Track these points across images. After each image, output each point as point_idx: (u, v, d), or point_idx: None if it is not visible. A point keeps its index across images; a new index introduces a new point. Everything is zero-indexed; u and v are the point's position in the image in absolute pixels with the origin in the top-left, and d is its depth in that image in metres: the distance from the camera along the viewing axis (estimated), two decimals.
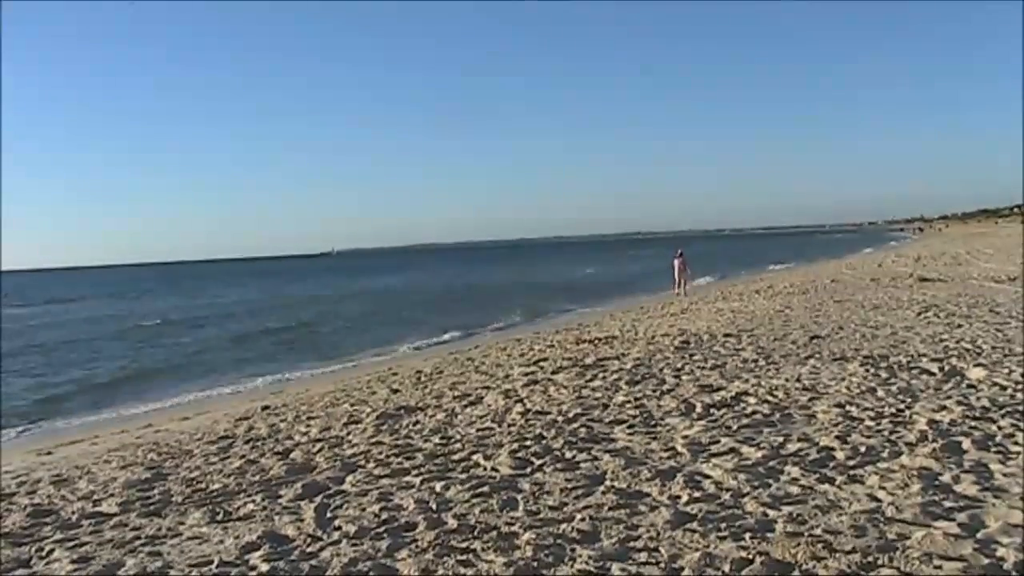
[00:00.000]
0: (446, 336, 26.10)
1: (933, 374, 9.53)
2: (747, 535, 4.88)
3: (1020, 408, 7.61)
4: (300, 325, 34.68)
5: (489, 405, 9.66)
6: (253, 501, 6.40)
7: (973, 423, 7.17)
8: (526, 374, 11.86)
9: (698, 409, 8.41)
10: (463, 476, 6.61)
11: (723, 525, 5.09)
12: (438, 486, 6.35)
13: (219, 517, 6.07)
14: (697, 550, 4.70)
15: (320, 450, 8.06)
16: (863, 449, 6.55)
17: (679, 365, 11.36)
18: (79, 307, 60.25)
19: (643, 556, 4.71)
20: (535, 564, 4.67)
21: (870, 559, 4.42)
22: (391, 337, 26.69)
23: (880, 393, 8.62)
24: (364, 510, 5.90)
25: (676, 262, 32.85)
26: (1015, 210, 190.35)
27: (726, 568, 4.45)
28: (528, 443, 7.49)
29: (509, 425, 8.38)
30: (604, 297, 38.34)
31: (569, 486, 6.10)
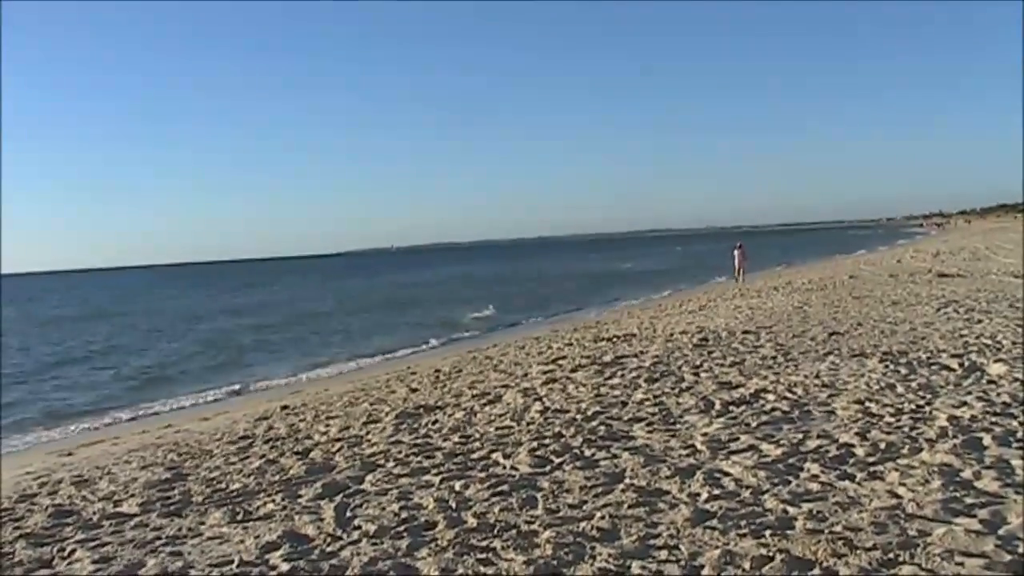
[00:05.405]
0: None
1: (953, 370, 9.47)
2: (767, 532, 4.87)
3: None
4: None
5: (508, 403, 9.66)
6: (273, 501, 6.43)
7: (994, 419, 7.12)
8: (544, 372, 11.86)
9: (717, 406, 8.39)
10: (482, 475, 6.62)
11: (743, 522, 5.08)
12: (457, 485, 6.36)
13: (239, 517, 6.10)
14: (717, 548, 4.70)
15: (339, 449, 8.09)
16: (883, 445, 6.52)
17: (698, 362, 11.34)
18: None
19: (663, 554, 4.70)
20: (555, 562, 4.67)
21: (891, 556, 4.40)
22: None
23: (900, 389, 8.57)
24: (384, 509, 5.92)
25: (736, 252, 35.11)
26: None
27: (746, 566, 4.44)
28: (547, 441, 7.50)
29: (528, 423, 8.38)
30: (658, 286, 41.80)
31: (588, 484, 6.10)
